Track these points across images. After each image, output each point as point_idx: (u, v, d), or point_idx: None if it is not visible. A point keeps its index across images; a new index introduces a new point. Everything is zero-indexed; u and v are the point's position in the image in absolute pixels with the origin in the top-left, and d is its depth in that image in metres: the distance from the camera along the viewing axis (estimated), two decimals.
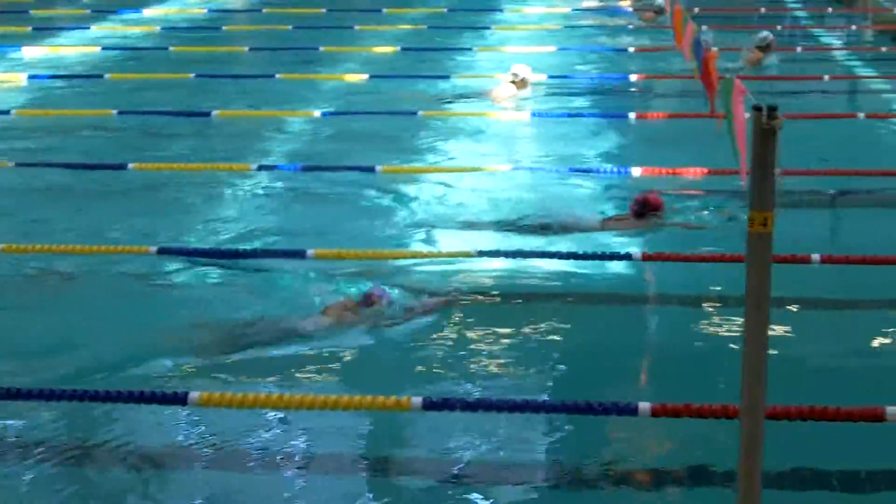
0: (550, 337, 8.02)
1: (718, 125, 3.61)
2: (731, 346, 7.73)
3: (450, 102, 15.63)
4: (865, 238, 10.12)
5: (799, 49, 19.20)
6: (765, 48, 17.57)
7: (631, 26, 21.82)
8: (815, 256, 8.86)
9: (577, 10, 23.97)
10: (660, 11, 21.57)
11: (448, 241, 9.93)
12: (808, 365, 7.71)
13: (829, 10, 24.57)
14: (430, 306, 8.46)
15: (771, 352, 7.35)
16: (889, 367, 7.72)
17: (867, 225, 10.57)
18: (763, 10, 23.69)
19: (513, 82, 15.58)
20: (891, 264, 8.96)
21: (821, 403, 6.26)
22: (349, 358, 7.75)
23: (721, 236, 9.75)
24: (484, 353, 7.77)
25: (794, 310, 8.54)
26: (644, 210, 10.13)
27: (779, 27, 21.97)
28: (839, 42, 20.97)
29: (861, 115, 14.40)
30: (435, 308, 8.45)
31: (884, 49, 19.73)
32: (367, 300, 8.24)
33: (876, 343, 8.10)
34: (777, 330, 8.08)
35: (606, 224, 10.21)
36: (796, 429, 6.29)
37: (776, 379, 7.04)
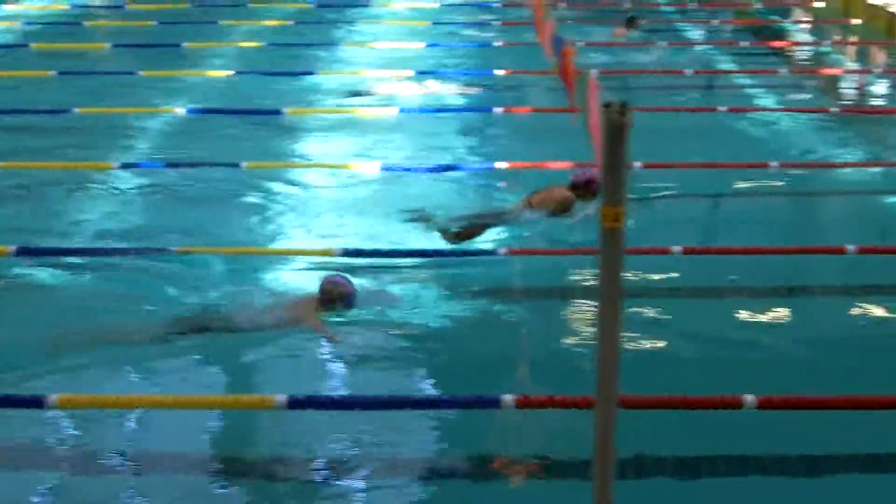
0: (425, 333, 8.04)
1: (574, 120, 3.64)
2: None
3: (316, 98, 15.55)
4: (727, 229, 10.30)
5: (664, 44, 19.45)
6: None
7: (498, 22, 21.89)
8: (676, 248, 9.01)
9: (445, 5, 23.99)
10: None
11: (314, 238, 9.88)
12: (675, 354, 7.84)
13: (692, 4, 24.91)
14: (388, 302, 8.45)
15: (636, 342, 7.60)
16: (749, 356, 7.87)
17: (729, 216, 10.73)
18: (628, 3, 23.97)
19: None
20: (751, 254, 9.14)
21: (685, 392, 6.41)
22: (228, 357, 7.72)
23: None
24: (359, 351, 7.76)
25: (658, 300, 8.67)
26: (585, 184, 9.89)
27: (644, 21, 22.26)
28: (701, 36, 21.29)
29: (723, 108, 14.64)
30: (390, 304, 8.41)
31: (745, 44, 20.06)
32: (325, 300, 8.16)
33: (738, 332, 8.25)
34: (641, 320, 8.21)
35: (532, 199, 10.15)
36: (659, 417, 6.41)
37: (641, 368, 7.22)
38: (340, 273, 8.41)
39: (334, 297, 8.12)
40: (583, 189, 9.90)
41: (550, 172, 11.36)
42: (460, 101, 15.31)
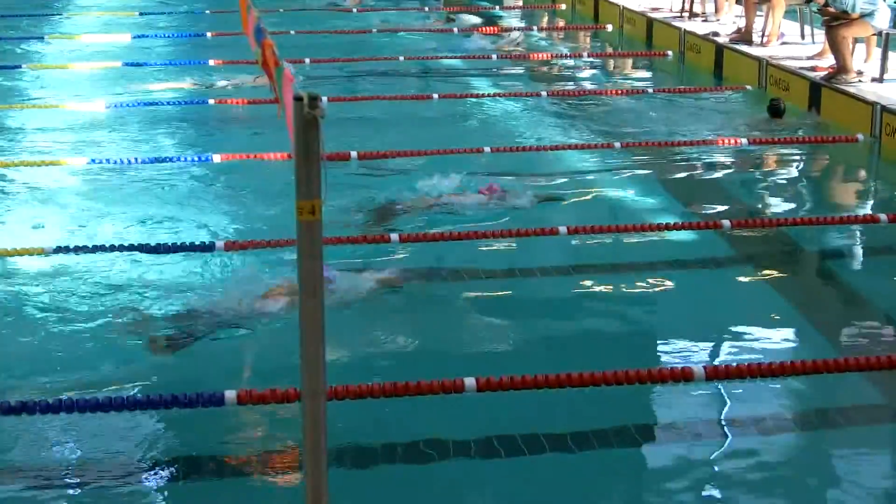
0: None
1: (279, 112, 3.59)
2: None
3: (23, 93, 15.04)
4: (445, 215, 10.37)
5: (375, 31, 19.58)
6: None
7: (208, 12, 21.59)
8: (394, 236, 9.10)
9: None
10: None
11: (24, 237, 9.49)
12: (397, 342, 7.86)
13: None
14: (384, 282, 8.27)
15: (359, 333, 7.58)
16: (471, 339, 7.95)
17: (447, 203, 10.77)
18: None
19: None
20: (470, 239, 9.25)
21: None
22: None
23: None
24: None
25: (380, 289, 8.68)
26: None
27: (355, 9, 22.35)
28: (416, 23, 21.53)
29: (436, 96, 14.80)
30: (388, 284, 8.24)
31: (455, 31, 20.37)
32: None
33: (461, 316, 8.31)
34: (364, 309, 8.20)
35: None
36: (389, 406, 6.44)
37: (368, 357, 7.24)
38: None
39: None
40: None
41: (266, 163, 11.32)
42: (172, 94, 15.04)
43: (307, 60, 16.20)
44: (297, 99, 2.88)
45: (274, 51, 3.97)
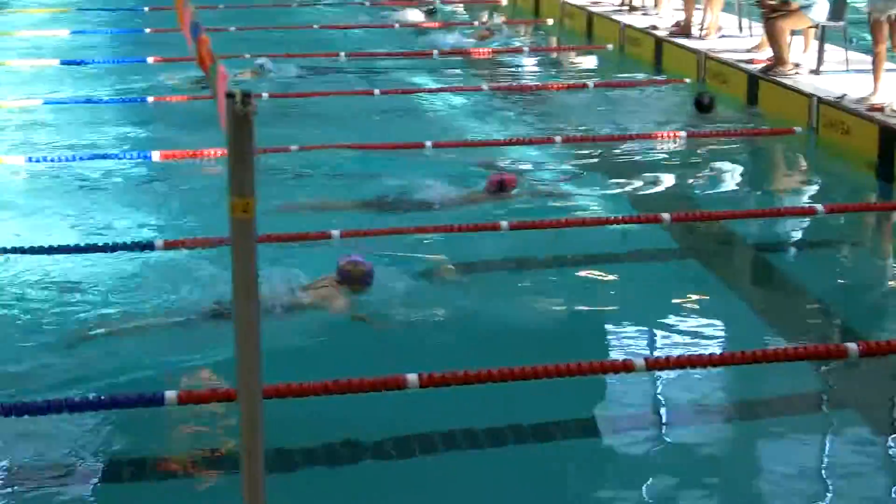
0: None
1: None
2: None
3: None
4: (392, 209, 10.34)
5: (316, 27, 19.54)
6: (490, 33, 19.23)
7: (146, 9, 21.42)
8: (335, 232, 9.05)
9: None
10: None
11: None
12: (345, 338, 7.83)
13: None
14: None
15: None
16: (406, 338, 7.92)
17: (397, 195, 10.74)
18: None
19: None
20: (433, 233, 9.26)
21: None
22: None
23: None
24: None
25: None
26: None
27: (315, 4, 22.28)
28: (357, 19, 21.48)
29: (377, 91, 14.78)
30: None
31: (396, 26, 20.34)
32: (345, 280, 7.96)
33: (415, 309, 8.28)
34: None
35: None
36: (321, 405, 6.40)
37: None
38: (353, 253, 8.20)
39: (355, 277, 7.96)
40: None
41: (206, 161, 11.28)
42: (111, 91, 14.91)
43: (247, 56, 16.10)
44: (229, 96, 2.86)
45: (209, 47, 3.93)
